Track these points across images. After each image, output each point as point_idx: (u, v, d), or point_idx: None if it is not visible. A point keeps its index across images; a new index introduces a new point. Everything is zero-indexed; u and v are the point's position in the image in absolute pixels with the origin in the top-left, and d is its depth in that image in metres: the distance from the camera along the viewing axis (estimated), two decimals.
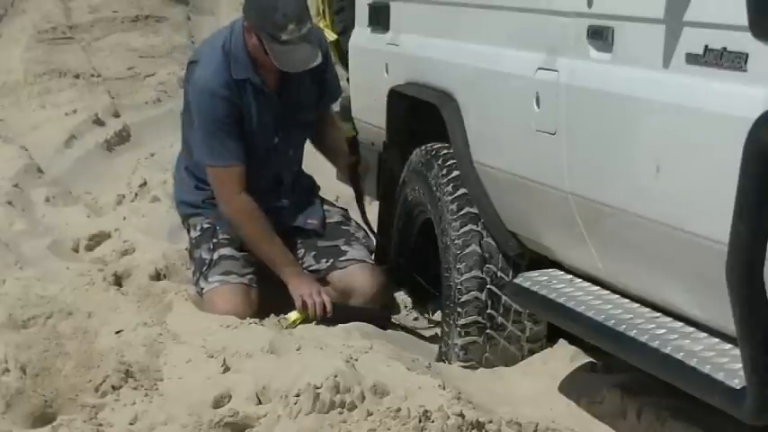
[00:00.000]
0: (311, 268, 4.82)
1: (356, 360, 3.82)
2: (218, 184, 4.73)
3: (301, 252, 4.85)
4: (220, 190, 4.73)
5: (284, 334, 4.32)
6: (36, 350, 4.04)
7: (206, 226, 4.80)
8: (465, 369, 4.23)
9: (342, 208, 5.09)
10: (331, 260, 4.80)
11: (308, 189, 5.02)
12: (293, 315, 4.66)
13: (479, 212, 4.25)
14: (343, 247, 4.83)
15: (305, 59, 4.58)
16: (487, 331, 4.25)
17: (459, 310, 4.25)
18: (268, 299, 4.77)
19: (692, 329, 3.24)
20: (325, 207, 4.98)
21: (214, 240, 4.77)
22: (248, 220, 4.70)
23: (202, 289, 4.73)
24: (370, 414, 3.37)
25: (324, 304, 4.64)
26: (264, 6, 4.53)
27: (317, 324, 4.60)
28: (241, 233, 4.74)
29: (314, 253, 4.83)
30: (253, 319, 4.47)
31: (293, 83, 4.76)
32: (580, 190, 3.54)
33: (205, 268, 4.73)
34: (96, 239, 5.73)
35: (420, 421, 3.28)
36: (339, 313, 4.69)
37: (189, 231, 4.92)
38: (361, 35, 5.16)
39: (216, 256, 4.74)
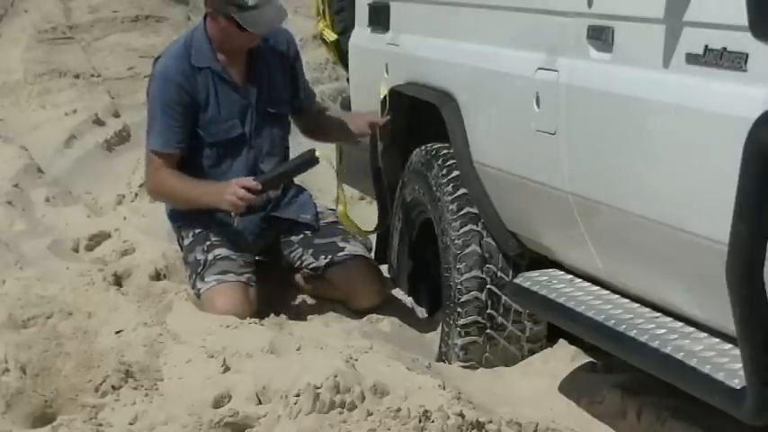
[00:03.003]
0: (311, 266, 4.82)
1: (356, 360, 3.82)
2: (148, 165, 4.84)
3: (299, 251, 4.85)
4: (147, 171, 4.85)
5: (284, 334, 4.32)
6: (36, 350, 4.04)
7: (198, 231, 4.81)
8: (465, 369, 4.24)
9: (331, 209, 5.09)
10: (329, 256, 4.80)
11: (298, 188, 5.01)
12: (231, 212, 4.70)
13: (479, 212, 4.25)
14: (341, 244, 4.83)
15: (276, 17, 4.69)
16: (487, 331, 4.25)
17: (459, 310, 4.25)
18: (268, 299, 4.76)
19: (692, 329, 3.24)
20: (319, 209, 4.98)
21: (208, 243, 4.77)
22: (165, 188, 4.79)
23: (199, 290, 4.72)
24: (370, 414, 3.37)
25: (248, 187, 4.62)
26: None
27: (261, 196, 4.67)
28: (172, 204, 4.88)
29: (311, 250, 4.83)
30: (253, 319, 4.46)
31: (262, 73, 4.83)
32: (580, 190, 3.54)
33: (200, 269, 4.73)
34: (96, 239, 5.72)
35: (420, 421, 3.28)
36: (273, 182, 4.74)
37: (182, 240, 4.93)
38: (361, 35, 5.16)
39: (211, 256, 4.74)
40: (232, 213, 4.71)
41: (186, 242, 4.85)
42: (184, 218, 4.88)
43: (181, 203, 4.84)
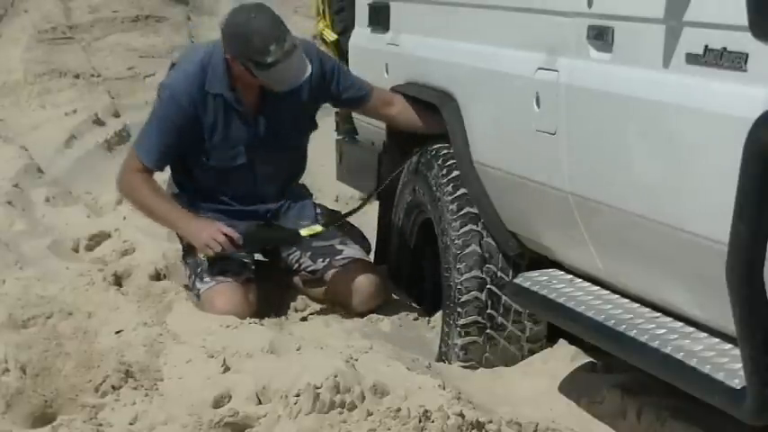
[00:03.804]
0: (308, 269, 4.82)
1: (356, 360, 3.82)
2: (125, 165, 4.79)
3: (297, 254, 4.84)
4: (123, 170, 4.79)
5: (284, 334, 4.32)
6: (36, 350, 4.04)
7: None
8: (465, 369, 4.23)
9: (335, 211, 5.08)
10: (327, 259, 4.79)
11: (299, 194, 4.98)
12: (201, 253, 4.67)
13: (479, 212, 4.25)
14: (339, 246, 4.82)
15: (296, 74, 4.53)
16: (487, 331, 4.25)
17: (459, 310, 4.25)
18: (268, 299, 4.76)
19: (692, 329, 3.24)
20: (318, 210, 4.97)
21: None
22: (136, 193, 4.75)
23: (199, 290, 4.72)
24: (370, 414, 3.37)
25: (230, 237, 4.61)
26: (240, 34, 4.48)
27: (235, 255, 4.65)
28: (138, 209, 4.84)
29: (309, 253, 4.82)
30: (253, 319, 4.46)
31: (277, 105, 4.71)
32: (580, 190, 3.54)
33: (200, 269, 4.73)
34: (96, 239, 5.72)
35: (420, 421, 3.28)
36: (254, 243, 4.72)
37: (181, 240, 4.92)
38: (361, 35, 5.16)
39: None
40: (201, 256, 4.67)
41: (185, 242, 4.85)
42: None
43: (145, 213, 4.80)
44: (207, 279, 4.70)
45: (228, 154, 4.71)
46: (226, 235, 4.60)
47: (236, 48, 4.51)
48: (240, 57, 4.51)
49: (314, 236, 4.72)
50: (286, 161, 4.87)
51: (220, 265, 4.69)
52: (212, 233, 4.60)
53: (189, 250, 4.81)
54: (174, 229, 4.76)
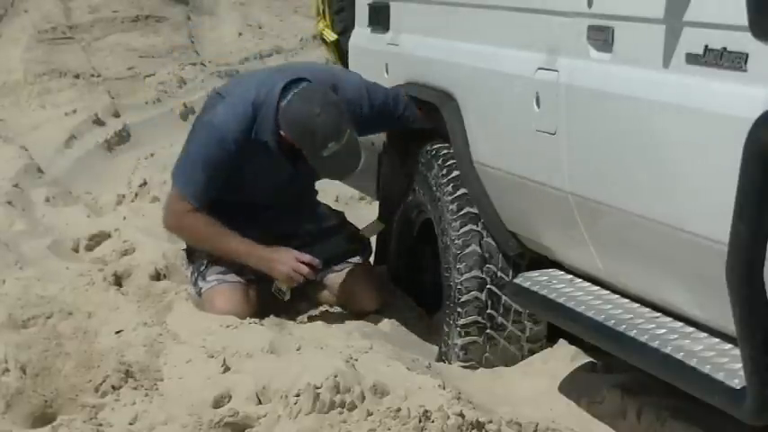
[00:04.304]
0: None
1: (356, 360, 3.82)
2: (170, 206, 4.69)
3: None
4: (168, 212, 4.70)
5: (284, 334, 4.32)
6: (36, 350, 4.04)
7: None
8: (465, 369, 4.23)
9: (338, 211, 5.08)
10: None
11: (309, 202, 4.98)
12: (283, 285, 4.62)
13: (479, 212, 4.25)
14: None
15: (348, 167, 4.53)
16: (487, 331, 4.25)
17: (459, 310, 4.25)
18: (268, 299, 4.76)
19: (692, 329, 3.24)
20: (321, 210, 4.97)
21: None
22: (195, 233, 4.65)
23: (201, 289, 4.72)
24: (370, 414, 3.37)
25: (310, 264, 4.59)
26: (302, 125, 4.42)
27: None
28: (193, 245, 4.72)
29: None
30: (253, 319, 4.46)
31: None
32: (580, 190, 3.54)
33: (203, 268, 4.72)
34: (96, 239, 5.73)
35: (420, 421, 3.28)
36: (330, 261, 4.69)
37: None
38: (361, 35, 5.16)
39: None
40: (283, 288, 4.63)
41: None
42: None
43: (209, 250, 4.67)
44: (209, 278, 4.70)
45: (252, 191, 4.68)
46: (305, 263, 4.59)
47: (294, 135, 4.46)
48: (296, 143, 4.48)
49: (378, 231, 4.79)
50: (304, 193, 4.89)
51: (224, 264, 4.69)
52: (293, 264, 4.58)
53: (193, 248, 4.80)
54: (246, 262, 4.64)
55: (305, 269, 4.58)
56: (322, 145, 4.39)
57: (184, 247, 4.91)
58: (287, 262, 4.58)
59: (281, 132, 4.50)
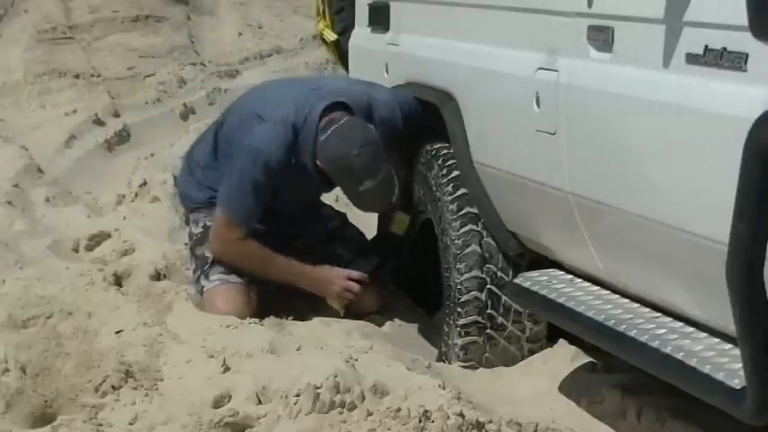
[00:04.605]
0: None
1: (356, 360, 3.82)
2: (219, 233, 4.67)
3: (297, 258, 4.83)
4: (218, 238, 4.68)
5: (284, 334, 4.32)
6: (36, 350, 4.04)
7: (209, 224, 4.79)
8: (465, 369, 4.24)
9: (341, 212, 5.08)
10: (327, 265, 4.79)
11: (315, 204, 5.00)
12: (335, 303, 4.69)
13: (479, 212, 4.25)
14: (340, 252, 4.82)
15: (382, 204, 4.59)
16: (487, 331, 4.25)
17: (459, 310, 4.26)
18: (268, 299, 4.76)
19: (692, 329, 3.24)
20: (325, 212, 4.97)
21: None
22: (248, 260, 4.66)
23: (203, 287, 4.72)
24: (370, 414, 3.37)
25: (358, 281, 4.65)
26: (339, 162, 4.45)
27: None
28: (241, 267, 4.70)
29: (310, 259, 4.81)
30: (253, 319, 4.46)
31: None
32: (580, 190, 3.54)
33: (207, 266, 4.73)
34: (96, 239, 5.72)
35: (420, 421, 3.28)
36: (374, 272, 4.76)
37: (190, 226, 4.91)
38: (361, 35, 5.16)
39: None
40: (336, 306, 4.68)
41: (195, 231, 4.82)
42: (196, 204, 4.85)
43: (254, 273, 4.68)
44: (212, 278, 4.70)
45: (280, 204, 4.70)
46: (353, 279, 4.66)
47: (331, 171, 4.51)
48: (332, 178, 4.55)
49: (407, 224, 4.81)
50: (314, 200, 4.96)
51: (227, 264, 4.69)
52: (343, 284, 4.65)
53: (198, 243, 4.80)
54: (297, 284, 4.68)
55: (355, 286, 4.66)
56: (358, 182, 4.45)
57: (185, 242, 4.91)
58: (337, 282, 4.66)
59: (318, 162, 4.55)
